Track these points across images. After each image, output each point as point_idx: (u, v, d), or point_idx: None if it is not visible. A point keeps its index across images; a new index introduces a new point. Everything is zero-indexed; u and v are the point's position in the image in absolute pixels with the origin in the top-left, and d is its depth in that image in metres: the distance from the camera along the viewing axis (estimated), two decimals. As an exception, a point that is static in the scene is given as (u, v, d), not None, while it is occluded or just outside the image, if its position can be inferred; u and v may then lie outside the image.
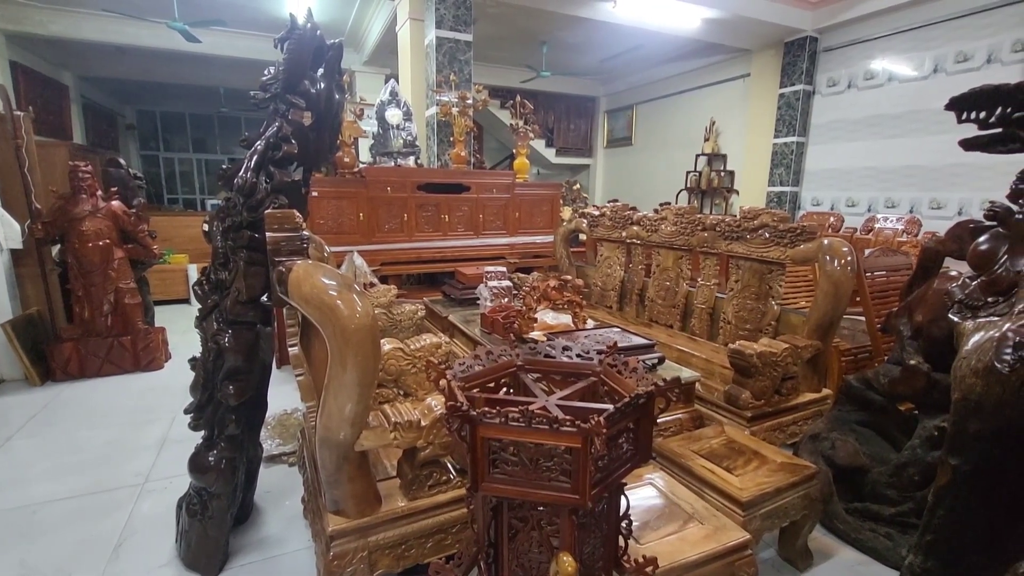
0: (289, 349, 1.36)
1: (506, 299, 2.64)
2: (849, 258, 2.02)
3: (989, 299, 1.49)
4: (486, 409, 0.79)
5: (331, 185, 3.55)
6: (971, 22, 4.64)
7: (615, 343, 1.11)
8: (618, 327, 2.26)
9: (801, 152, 6.21)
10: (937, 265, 1.68)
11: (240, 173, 1.50)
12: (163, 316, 4.42)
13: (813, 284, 3.47)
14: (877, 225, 5.13)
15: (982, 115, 1.41)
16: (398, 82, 4.45)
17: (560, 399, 0.95)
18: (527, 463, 0.80)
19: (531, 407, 0.91)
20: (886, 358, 2.18)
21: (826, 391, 2.19)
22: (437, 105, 4.25)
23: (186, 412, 1.59)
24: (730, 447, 1.71)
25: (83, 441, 2.49)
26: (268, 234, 1.26)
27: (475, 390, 1.01)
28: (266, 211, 1.32)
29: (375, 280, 3.50)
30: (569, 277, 2.27)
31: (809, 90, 6.08)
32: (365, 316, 1.12)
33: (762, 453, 1.67)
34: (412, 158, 3.99)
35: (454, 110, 4.01)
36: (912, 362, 1.62)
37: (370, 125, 4.07)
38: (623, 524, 0.98)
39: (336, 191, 3.54)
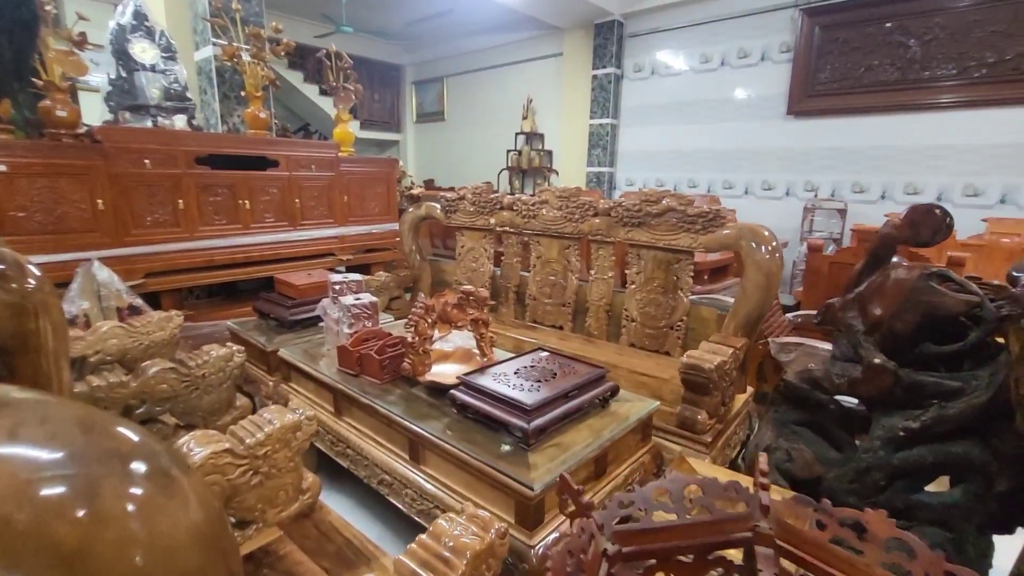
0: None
1: (369, 321, 1.88)
2: (775, 243, 1.85)
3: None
4: None
5: (36, 154, 2.18)
6: (749, 23, 5.26)
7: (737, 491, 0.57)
8: (548, 349, 1.71)
9: (615, 134, 6.48)
10: (891, 253, 1.55)
11: None
12: None
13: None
14: (684, 203, 5.61)
15: None
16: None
17: None
18: None
19: None
20: (769, 340, 2.11)
21: (749, 389, 2.05)
22: (214, 45, 3.04)
23: None
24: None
25: None
26: None
27: None
28: None
29: (137, 301, 2.32)
30: (472, 288, 1.64)
31: (619, 74, 6.33)
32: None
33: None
34: (183, 117, 2.76)
35: (245, 55, 2.89)
36: (877, 360, 1.46)
37: (99, 66, 2.69)
38: None
39: (46, 164, 2.20)
